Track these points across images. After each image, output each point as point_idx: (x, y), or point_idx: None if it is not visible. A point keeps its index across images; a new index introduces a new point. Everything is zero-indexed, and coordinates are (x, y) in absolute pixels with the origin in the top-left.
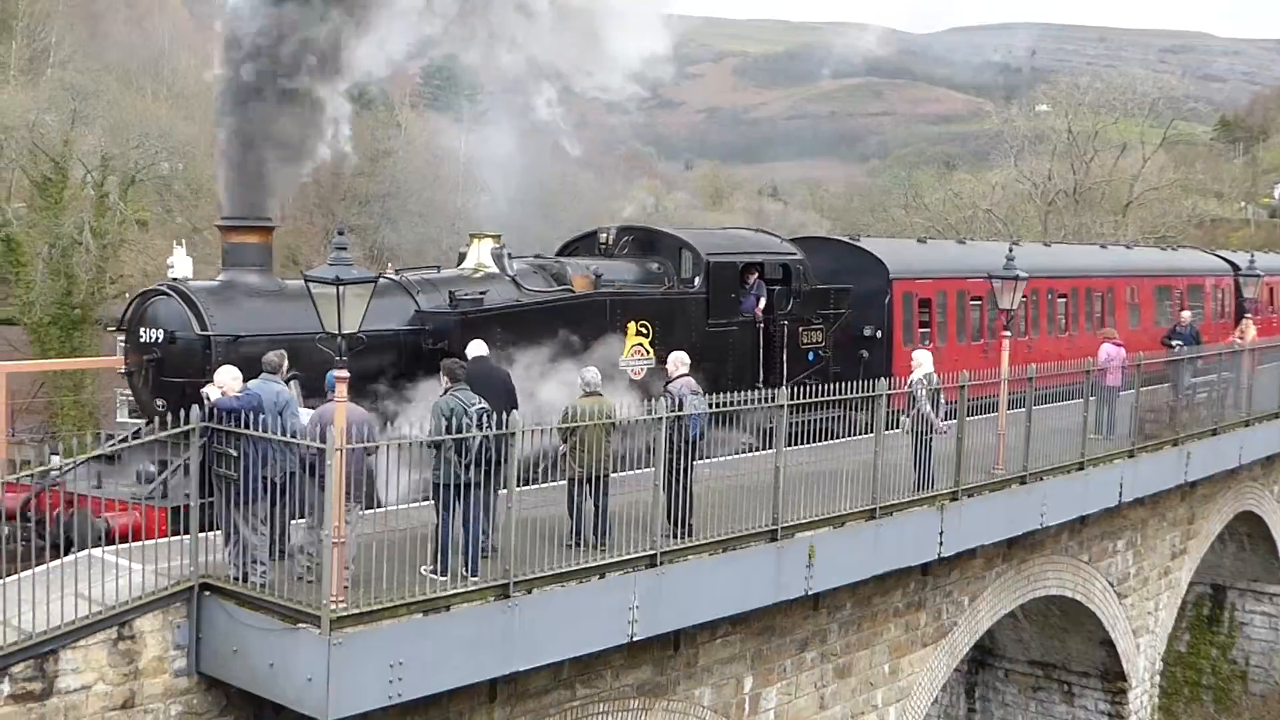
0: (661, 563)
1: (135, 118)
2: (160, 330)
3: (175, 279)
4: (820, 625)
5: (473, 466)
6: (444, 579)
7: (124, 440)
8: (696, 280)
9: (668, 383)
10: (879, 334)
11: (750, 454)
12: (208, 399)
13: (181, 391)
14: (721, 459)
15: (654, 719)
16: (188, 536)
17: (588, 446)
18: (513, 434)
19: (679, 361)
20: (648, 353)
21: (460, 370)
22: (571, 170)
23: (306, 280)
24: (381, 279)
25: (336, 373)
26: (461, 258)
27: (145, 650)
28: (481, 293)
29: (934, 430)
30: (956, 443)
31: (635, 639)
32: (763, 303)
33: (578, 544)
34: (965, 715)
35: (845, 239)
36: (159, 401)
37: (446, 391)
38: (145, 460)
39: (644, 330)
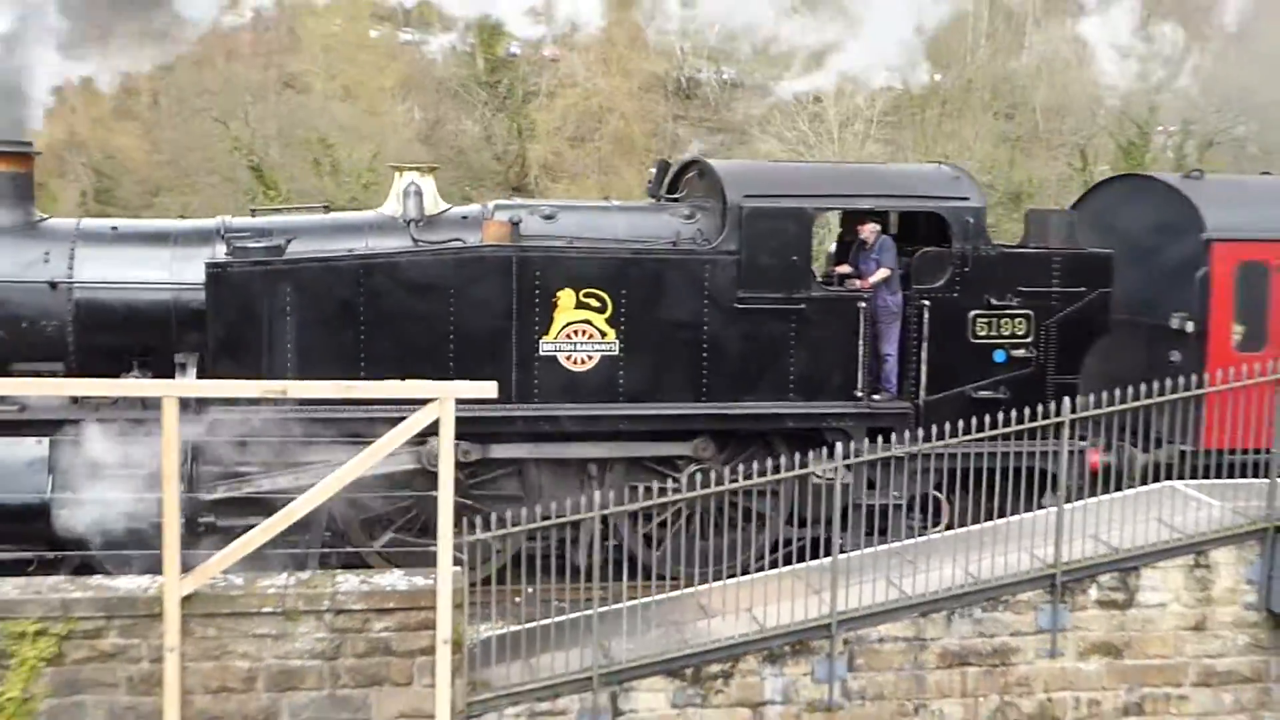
0: None
1: (1221, 83)
2: None
3: None
4: None
5: None
6: None
7: None
8: (726, 236)
9: None
10: (1189, 326)
11: None
12: None
13: None
14: None
15: None
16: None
17: None
18: None
19: None
20: (601, 334)
21: None
22: None
23: None
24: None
25: None
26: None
27: (1218, 580)
28: (288, 240)
29: None
30: None
31: None
32: (882, 273)
33: None
34: None
35: (1146, 175)
36: None
37: None
38: None
39: (594, 302)
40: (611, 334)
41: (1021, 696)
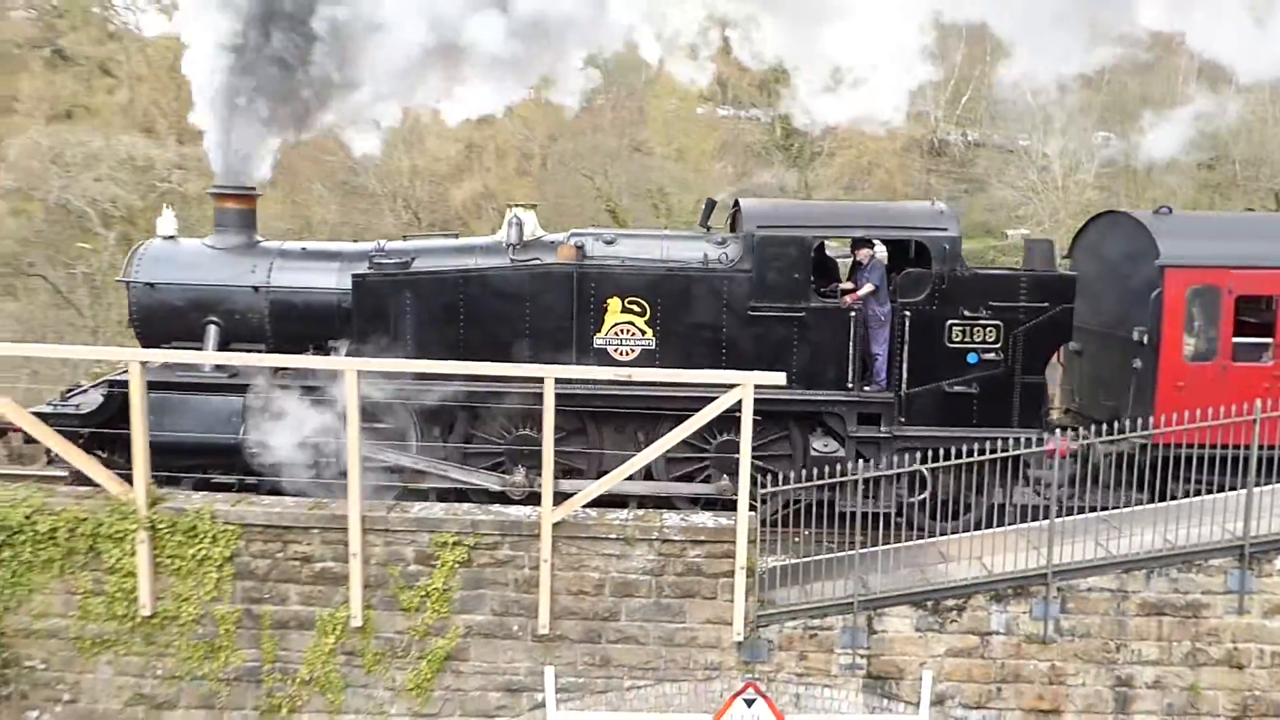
0: None
1: None
2: None
3: (162, 236)
4: None
5: None
6: None
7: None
8: (742, 257)
9: None
10: (1146, 339)
11: None
12: None
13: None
14: None
15: None
16: None
17: None
18: None
19: None
20: (641, 332)
21: None
22: None
23: None
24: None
25: None
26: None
27: None
28: (412, 258)
29: None
30: None
31: None
32: (866, 288)
33: None
34: None
35: (1123, 211)
36: None
37: None
38: None
39: (636, 308)
40: (650, 333)
41: (1210, 645)
